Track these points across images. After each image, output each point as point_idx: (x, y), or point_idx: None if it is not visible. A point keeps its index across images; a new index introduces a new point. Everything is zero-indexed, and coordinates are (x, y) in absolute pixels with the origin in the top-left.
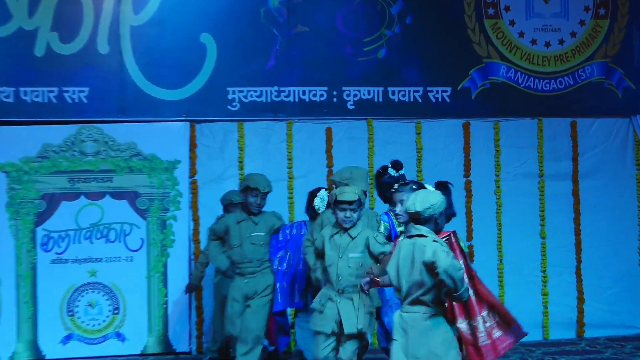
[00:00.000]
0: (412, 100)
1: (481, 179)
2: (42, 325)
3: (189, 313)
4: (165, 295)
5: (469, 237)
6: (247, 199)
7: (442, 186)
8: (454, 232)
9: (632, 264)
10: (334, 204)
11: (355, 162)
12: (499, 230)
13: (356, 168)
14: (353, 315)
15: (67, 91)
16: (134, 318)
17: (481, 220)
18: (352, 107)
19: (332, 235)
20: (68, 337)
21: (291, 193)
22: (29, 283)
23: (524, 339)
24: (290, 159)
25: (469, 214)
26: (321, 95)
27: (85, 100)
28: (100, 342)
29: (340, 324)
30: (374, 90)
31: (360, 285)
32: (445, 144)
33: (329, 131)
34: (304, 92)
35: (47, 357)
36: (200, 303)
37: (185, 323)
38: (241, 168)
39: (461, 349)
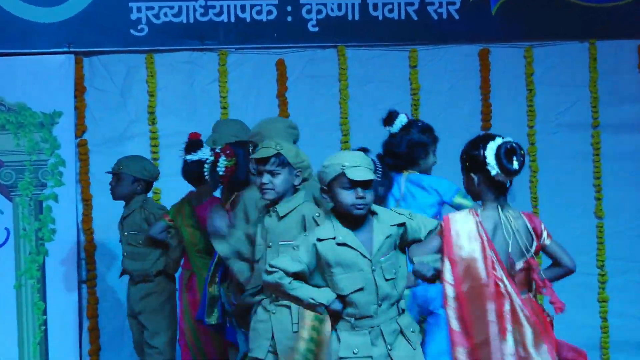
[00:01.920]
0: (403, 17)
1: (507, 132)
2: None
3: (80, 338)
4: (44, 313)
5: None
6: None
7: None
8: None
9: None
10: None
11: (321, 109)
12: (534, 206)
13: (273, 120)
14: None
15: None
16: (9, 344)
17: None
18: (315, 29)
19: (262, 217)
20: None
21: None
22: None
23: None
24: (224, 107)
25: None
26: (269, 12)
27: None
28: None
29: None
30: (347, 4)
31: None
32: (453, 82)
33: (280, 65)
34: (243, 8)
35: None
36: (95, 323)
37: (74, 354)
38: (152, 122)
39: None
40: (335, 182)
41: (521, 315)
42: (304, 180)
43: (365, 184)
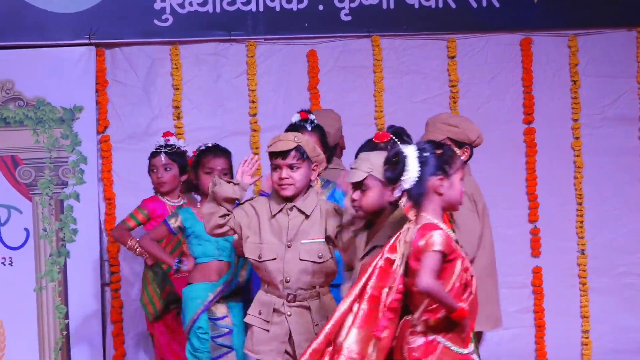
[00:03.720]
0: (441, 5)
1: (551, 125)
2: None
3: (103, 344)
4: (66, 317)
5: (533, 217)
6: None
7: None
8: None
9: None
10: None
11: (355, 102)
12: (579, 203)
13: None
14: (310, 332)
15: None
16: (17, 353)
17: (551, 189)
18: (348, 18)
19: (274, 215)
20: None
21: (257, 150)
22: None
23: None
24: (253, 101)
25: (531, 179)
26: (299, 1)
27: None
28: None
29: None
30: None
31: None
32: (493, 73)
33: (312, 56)
34: None
35: None
36: (119, 328)
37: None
38: (178, 116)
39: None
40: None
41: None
42: (318, 174)
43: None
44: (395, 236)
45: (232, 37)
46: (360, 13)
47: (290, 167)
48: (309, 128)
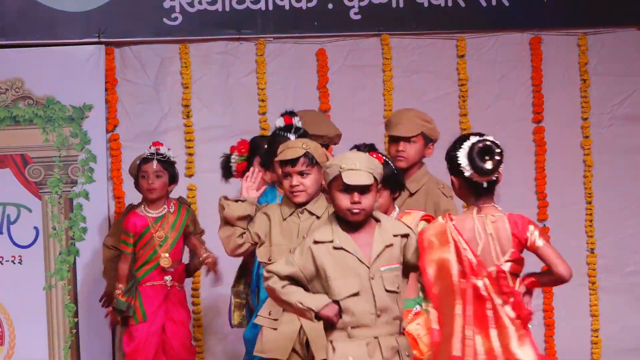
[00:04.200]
0: (450, 4)
1: (560, 124)
2: None
3: (113, 342)
4: (75, 315)
5: (542, 216)
6: None
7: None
8: None
9: None
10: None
11: (365, 101)
12: (588, 202)
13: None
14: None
15: None
16: (27, 352)
17: (560, 188)
18: (358, 16)
19: (285, 218)
20: None
21: None
22: None
23: None
24: (262, 100)
25: (540, 178)
26: (309, 0)
27: None
28: None
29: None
30: None
31: None
32: (502, 72)
33: (321, 55)
34: None
35: None
36: None
37: (106, 358)
38: (187, 115)
39: None
40: (333, 183)
41: (503, 316)
42: None
43: (362, 189)
44: (437, 228)
45: (241, 36)
46: (369, 12)
47: (301, 173)
48: (293, 138)
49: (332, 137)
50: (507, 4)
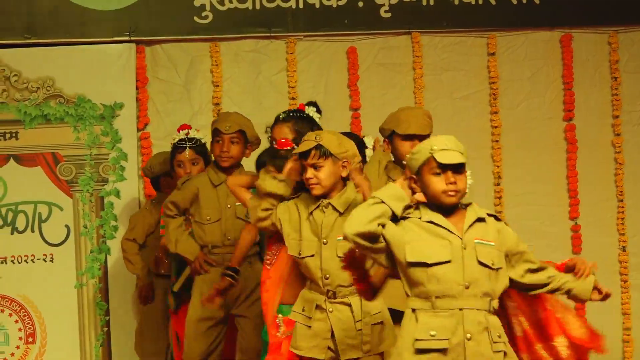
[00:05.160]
0: (481, 2)
1: (591, 122)
2: None
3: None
4: (106, 314)
5: (573, 214)
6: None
7: None
8: None
9: None
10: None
11: (395, 99)
12: (620, 201)
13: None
14: (352, 329)
15: None
16: (58, 350)
17: (592, 186)
18: (388, 14)
19: (311, 212)
20: None
21: None
22: None
23: None
24: (292, 98)
25: (571, 176)
26: None
27: None
28: None
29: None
30: None
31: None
32: (533, 70)
33: (352, 53)
34: None
35: None
36: None
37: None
38: (217, 113)
39: None
40: (424, 168)
41: None
42: (358, 169)
43: (457, 168)
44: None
45: (272, 34)
46: (400, 10)
47: (314, 166)
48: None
49: None
50: (537, 1)
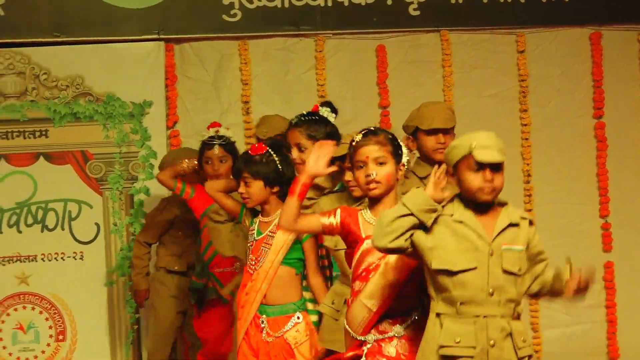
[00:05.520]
0: (510, 0)
1: (621, 120)
2: None
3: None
4: (136, 311)
5: (604, 212)
6: None
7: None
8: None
9: None
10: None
11: (424, 97)
12: None
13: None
14: None
15: None
16: (88, 347)
17: (622, 184)
18: (417, 12)
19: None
20: None
21: None
22: None
23: None
24: (321, 96)
25: (602, 174)
26: None
27: (0, 12)
28: None
29: None
30: None
31: None
32: (562, 68)
33: (381, 51)
34: None
35: None
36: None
37: None
38: (246, 111)
39: None
40: (461, 163)
41: None
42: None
43: (495, 167)
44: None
45: (300, 32)
46: (428, 7)
47: (350, 169)
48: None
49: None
50: None
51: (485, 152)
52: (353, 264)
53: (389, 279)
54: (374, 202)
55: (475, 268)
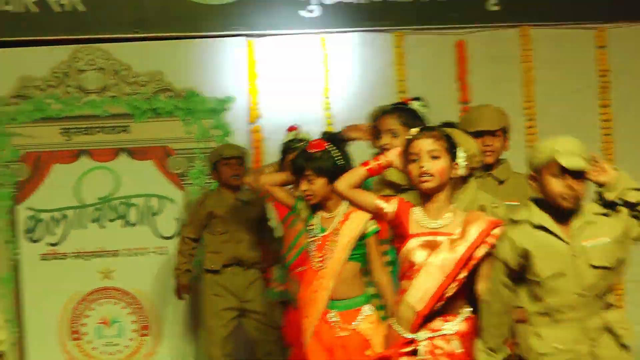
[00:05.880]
0: None
1: None
2: (32, 356)
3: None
4: None
5: None
6: None
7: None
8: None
9: None
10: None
11: (505, 93)
12: None
13: (485, 107)
14: None
15: None
16: (173, 342)
17: None
18: (497, 7)
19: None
20: None
21: None
22: (9, 291)
23: None
24: (401, 92)
25: None
26: None
27: (81, 9)
28: None
29: None
30: None
31: None
32: None
33: (460, 47)
34: None
35: None
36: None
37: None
38: (326, 107)
39: None
40: (545, 168)
41: None
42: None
43: (576, 174)
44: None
45: (380, 28)
46: (508, 3)
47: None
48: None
49: None
50: None
51: (569, 158)
52: (399, 262)
53: (433, 279)
54: (425, 198)
55: (563, 272)
